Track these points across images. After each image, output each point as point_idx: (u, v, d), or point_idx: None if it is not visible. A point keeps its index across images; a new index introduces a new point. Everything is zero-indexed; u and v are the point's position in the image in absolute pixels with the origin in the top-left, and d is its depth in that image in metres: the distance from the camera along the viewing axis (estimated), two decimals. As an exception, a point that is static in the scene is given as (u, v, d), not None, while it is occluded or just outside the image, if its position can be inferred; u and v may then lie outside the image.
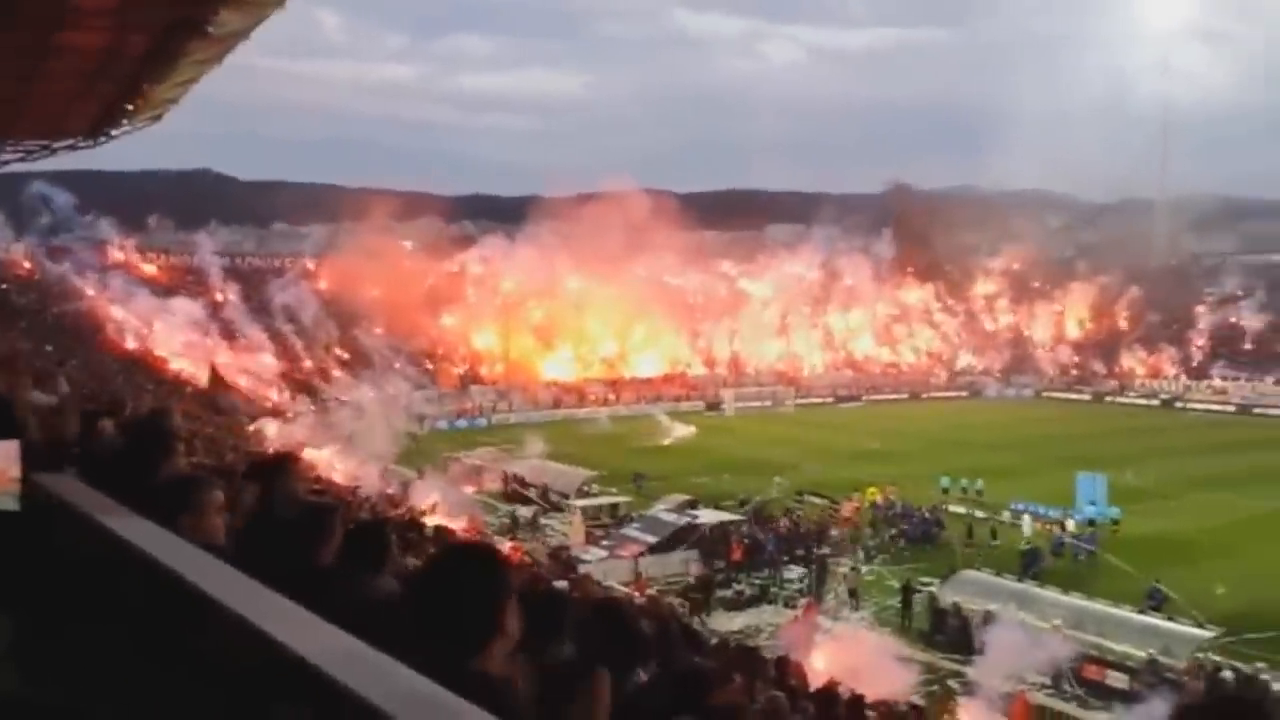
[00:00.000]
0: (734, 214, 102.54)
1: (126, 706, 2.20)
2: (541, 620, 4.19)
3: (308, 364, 66.78)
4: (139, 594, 2.47)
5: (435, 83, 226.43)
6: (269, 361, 63.52)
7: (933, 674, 21.87)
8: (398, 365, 64.82)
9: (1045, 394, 78.49)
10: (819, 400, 74.10)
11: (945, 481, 38.92)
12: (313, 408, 53.27)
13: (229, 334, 64.30)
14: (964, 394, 78.83)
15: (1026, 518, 33.65)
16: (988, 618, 23.11)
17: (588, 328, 77.39)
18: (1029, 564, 28.77)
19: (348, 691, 1.84)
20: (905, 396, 76.78)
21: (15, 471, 2.68)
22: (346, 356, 68.47)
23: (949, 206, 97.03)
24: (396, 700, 1.80)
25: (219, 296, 69.24)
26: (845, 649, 19.94)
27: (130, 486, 3.75)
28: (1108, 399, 75.23)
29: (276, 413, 47.17)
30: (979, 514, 35.20)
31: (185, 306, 63.03)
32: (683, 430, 54.83)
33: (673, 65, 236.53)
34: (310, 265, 79.33)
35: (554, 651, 4.12)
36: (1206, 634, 21.78)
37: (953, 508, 35.76)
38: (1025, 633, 20.92)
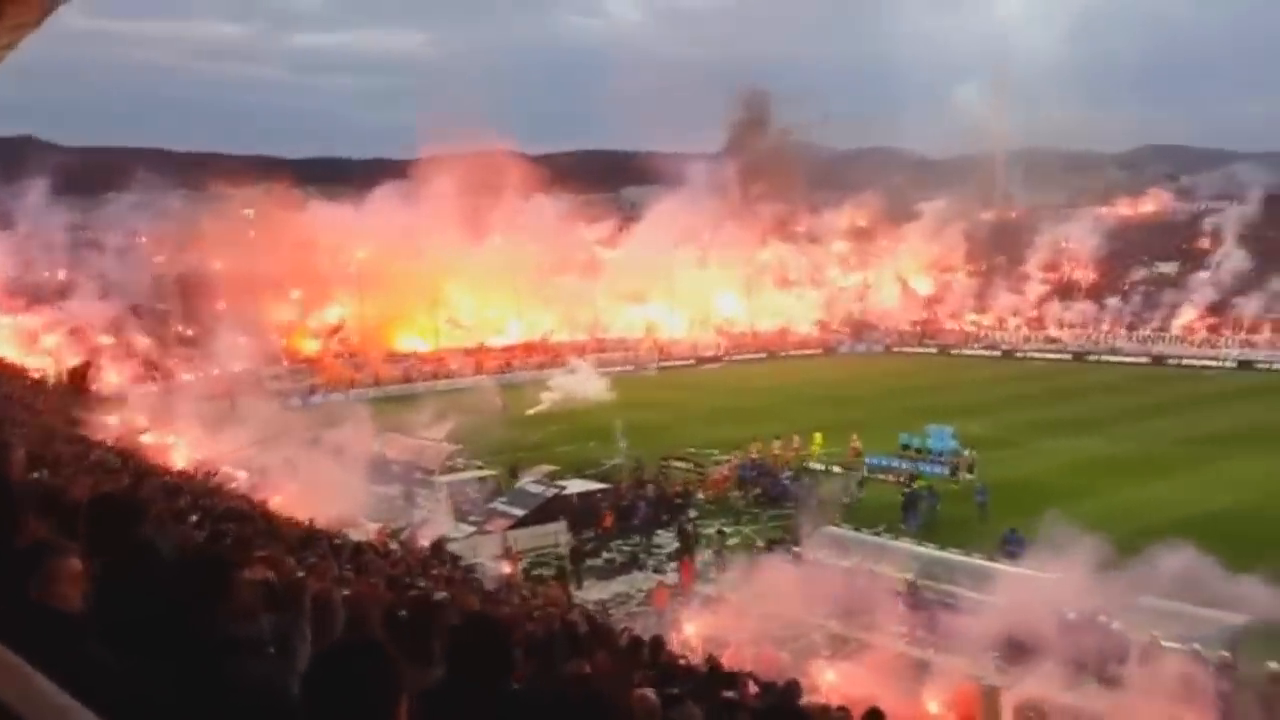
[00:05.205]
0: (587, 175, 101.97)
1: None
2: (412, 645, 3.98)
3: (145, 341, 63.32)
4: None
5: (265, 41, 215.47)
6: (104, 340, 59.96)
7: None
8: (243, 340, 61.72)
9: (893, 349, 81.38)
10: (680, 363, 75.00)
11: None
12: (154, 388, 50.48)
13: (57, 309, 60.47)
14: (818, 351, 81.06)
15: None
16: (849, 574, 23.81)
17: (444, 296, 75.75)
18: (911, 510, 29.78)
19: None
20: (763, 356, 78.35)
21: None
22: (189, 333, 65.20)
23: (796, 164, 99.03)
24: None
25: (45, 273, 64.92)
26: (719, 616, 20.25)
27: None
28: (952, 351, 78.51)
29: (117, 398, 44.43)
30: (836, 469, 36.29)
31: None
32: (561, 394, 53.94)
33: (513, 23, 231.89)
34: (143, 238, 74.93)
35: (425, 676, 3.94)
36: (1054, 577, 22.86)
37: (813, 464, 36.56)
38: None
